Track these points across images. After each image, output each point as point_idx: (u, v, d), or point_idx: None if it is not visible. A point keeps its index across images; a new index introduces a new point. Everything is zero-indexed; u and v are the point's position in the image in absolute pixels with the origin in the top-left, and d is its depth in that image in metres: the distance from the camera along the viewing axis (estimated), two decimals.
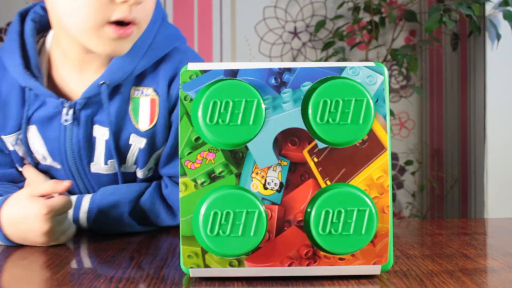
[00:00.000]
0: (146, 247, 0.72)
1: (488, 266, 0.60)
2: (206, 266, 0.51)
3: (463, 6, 1.73)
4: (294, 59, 2.19)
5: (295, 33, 2.19)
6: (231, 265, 0.51)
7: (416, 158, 2.22)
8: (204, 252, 0.51)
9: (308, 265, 0.51)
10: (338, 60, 1.98)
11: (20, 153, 0.83)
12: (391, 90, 2.17)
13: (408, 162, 2.17)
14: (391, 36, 2.08)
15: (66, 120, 0.78)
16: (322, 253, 0.51)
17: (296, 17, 2.19)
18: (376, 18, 2.05)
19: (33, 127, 0.80)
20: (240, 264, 0.51)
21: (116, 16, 0.70)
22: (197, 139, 0.51)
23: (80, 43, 0.74)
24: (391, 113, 1.98)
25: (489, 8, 1.80)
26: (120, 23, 0.71)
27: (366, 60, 2.01)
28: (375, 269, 0.52)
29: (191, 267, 0.52)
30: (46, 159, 0.82)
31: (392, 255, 0.54)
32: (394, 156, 2.22)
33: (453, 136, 2.17)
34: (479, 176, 1.87)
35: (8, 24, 2.18)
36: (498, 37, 1.76)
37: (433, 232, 0.82)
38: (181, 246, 0.52)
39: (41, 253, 0.67)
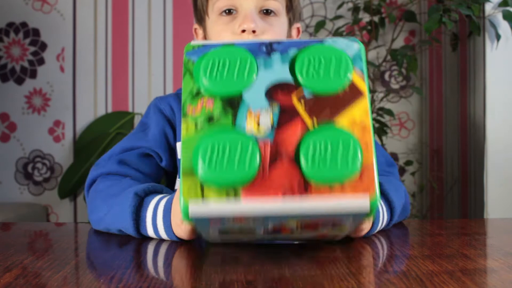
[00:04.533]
0: (146, 247, 0.72)
1: (488, 267, 0.60)
2: (205, 199, 0.53)
3: (462, 6, 1.73)
4: None
5: None
6: (227, 196, 0.53)
7: (416, 159, 2.22)
8: (202, 185, 0.54)
9: (301, 195, 0.53)
10: None
11: None
12: (391, 91, 2.17)
13: (408, 163, 2.17)
14: (391, 37, 2.08)
15: None
16: (313, 183, 0.53)
17: None
18: (376, 19, 2.05)
19: None
20: (236, 194, 0.53)
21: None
22: (198, 92, 0.58)
23: None
24: (391, 114, 1.98)
25: (488, 8, 1.80)
26: None
27: (366, 60, 2.02)
28: (364, 201, 0.53)
29: (190, 199, 0.53)
30: None
31: (379, 190, 0.54)
32: (394, 157, 2.22)
33: (453, 136, 2.17)
34: (479, 176, 1.87)
35: (8, 24, 2.18)
36: (498, 37, 1.76)
37: (433, 232, 0.82)
38: (181, 183, 0.54)
39: (41, 254, 0.67)
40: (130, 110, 2.17)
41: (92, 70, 2.17)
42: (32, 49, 2.17)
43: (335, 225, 0.58)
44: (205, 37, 0.99)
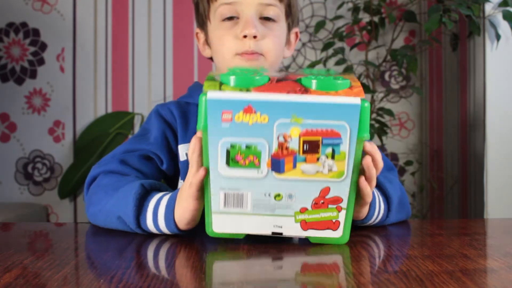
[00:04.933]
0: (146, 247, 0.72)
1: (488, 267, 0.60)
2: (221, 90, 0.65)
3: (462, 6, 1.73)
4: (294, 59, 2.19)
5: None
6: (241, 90, 0.65)
7: (416, 159, 2.22)
8: (221, 84, 0.66)
9: (302, 93, 0.65)
10: (338, 61, 1.98)
11: None
12: (391, 91, 2.17)
13: (408, 163, 2.17)
14: (391, 37, 2.08)
15: None
16: (312, 90, 0.66)
17: None
18: (376, 19, 2.05)
19: None
20: (248, 90, 0.65)
21: (240, 49, 0.91)
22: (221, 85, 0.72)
23: None
24: (391, 114, 1.98)
25: (488, 8, 1.80)
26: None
27: (366, 60, 2.01)
28: (355, 99, 0.65)
29: (209, 90, 0.65)
30: None
31: (368, 101, 0.65)
32: (394, 157, 2.22)
33: (453, 136, 2.17)
34: (479, 176, 1.88)
35: (8, 24, 2.18)
36: (498, 37, 1.76)
37: (433, 233, 0.82)
38: (204, 84, 0.66)
39: (41, 254, 0.67)
40: (130, 110, 2.17)
41: (92, 70, 2.17)
42: (32, 49, 2.17)
43: (335, 139, 0.65)
44: (206, 41, 1.00)
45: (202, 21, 0.99)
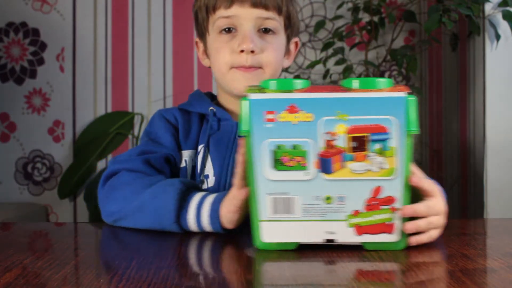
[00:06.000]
0: (146, 247, 0.72)
1: (488, 266, 0.60)
2: (263, 93, 0.65)
3: (462, 6, 1.73)
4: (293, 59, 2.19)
5: None
6: (282, 92, 0.65)
7: (416, 159, 2.22)
8: (261, 89, 0.66)
9: (345, 92, 0.65)
10: (338, 61, 1.98)
11: (189, 171, 0.91)
12: None
13: None
14: (391, 37, 2.08)
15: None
16: (354, 89, 0.65)
17: None
18: (376, 19, 2.05)
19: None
20: (290, 92, 0.65)
21: (237, 63, 0.90)
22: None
23: (224, 89, 0.96)
24: None
25: (488, 8, 1.79)
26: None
27: (366, 60, 2.01)
28: (400, 93, 0.64)
29: (251, 93, 0.64)
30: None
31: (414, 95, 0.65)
32: None
33: (453, 136, 2.17)
34: (479, 176, 1.87)
35: (8, 24, 2.18)
36: (498, 37, 1.76)
37: None
38: (246, 90, 0.66)
39: (41, 254, 0.67)
40: (130, 110, 2.16)
41: (92, 70, 2.17)
42: (31, 49, 2.17)
43: (383, 134, 0.64)
44: (205, 51, 0.99)
45: (201, 32, 0.99)
